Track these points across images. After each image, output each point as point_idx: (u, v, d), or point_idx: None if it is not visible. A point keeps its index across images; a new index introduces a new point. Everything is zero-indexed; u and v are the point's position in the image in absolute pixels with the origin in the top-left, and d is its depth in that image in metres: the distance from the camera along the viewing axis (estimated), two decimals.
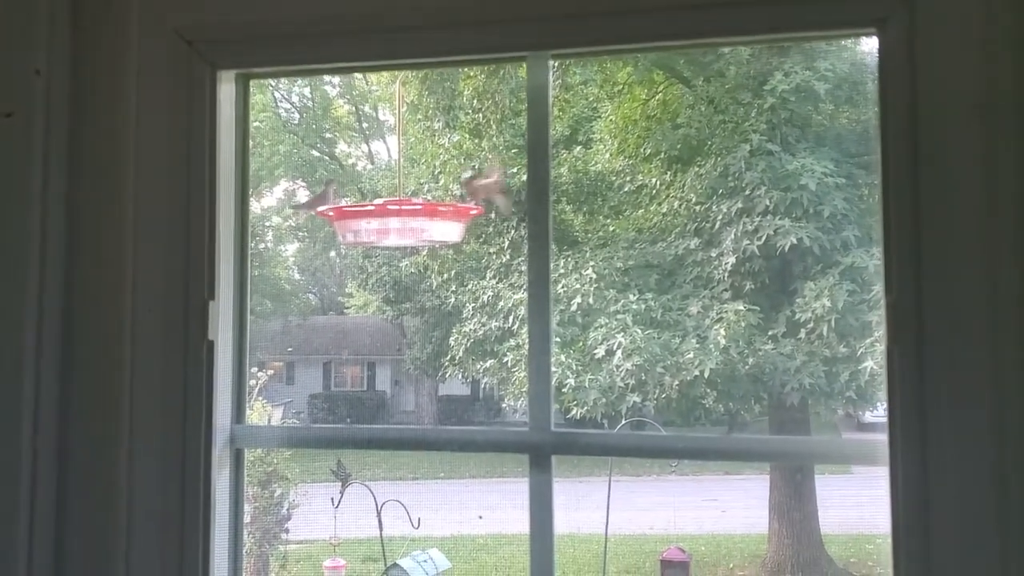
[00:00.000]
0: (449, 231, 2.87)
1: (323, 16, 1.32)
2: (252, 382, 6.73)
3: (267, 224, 14.34)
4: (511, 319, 9.66)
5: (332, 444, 1.20)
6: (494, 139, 9.37)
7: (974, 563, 1.07)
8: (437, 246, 8.58)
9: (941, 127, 1.12)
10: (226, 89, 1.47)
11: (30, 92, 1.43)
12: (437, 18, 1.25)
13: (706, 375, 7.78)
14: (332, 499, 6.21)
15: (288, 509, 6.84)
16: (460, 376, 12.48)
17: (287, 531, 6.86)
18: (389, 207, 3.04)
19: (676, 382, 8.17)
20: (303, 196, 13.24)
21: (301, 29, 1.32)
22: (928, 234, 1.11)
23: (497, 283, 9.95)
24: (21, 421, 1.31)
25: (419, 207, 3.05)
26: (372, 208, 3.20)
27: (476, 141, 9.71)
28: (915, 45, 1.12)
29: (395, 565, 6.81)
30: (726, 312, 8.06)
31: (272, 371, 8.60)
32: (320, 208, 3.32)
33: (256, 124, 12.69)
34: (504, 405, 11.30)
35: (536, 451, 1.18)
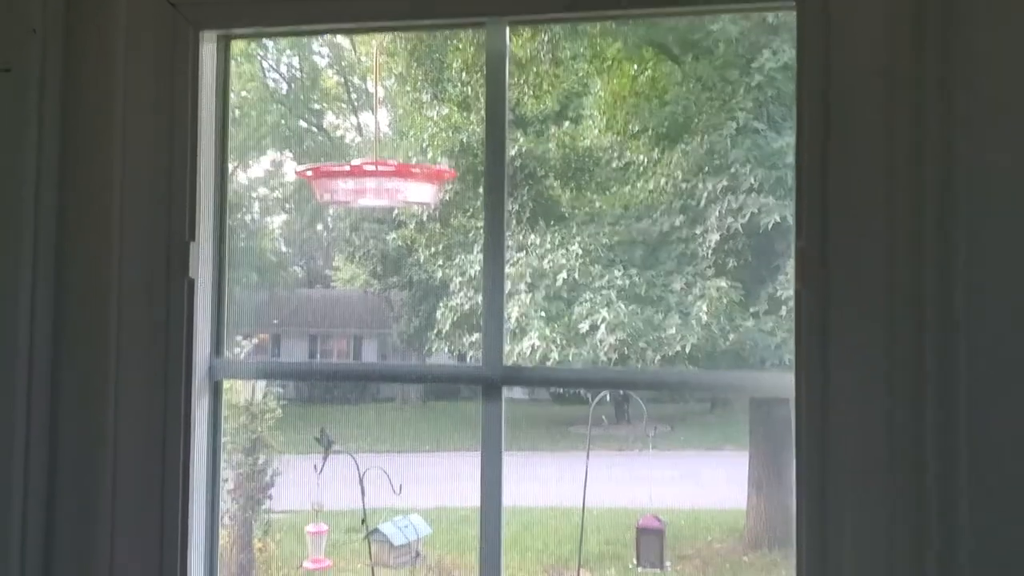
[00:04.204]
0: (423, 192, 2.99)
1: None
2: (237, 350, 6.79)
3: (253, 195, 14.27)
4: None
5: (302, 376, 1.31)
6: (482, 112, 9.37)
7: (866, 486, 1.21)
8: (414, 208, 8.67)
9: (850, 92, 1.24)
10: (208, 48, 1.58)
11: (27, 49, 1.54)
12: None
13: (688, 351, 7.92)
14: (315, 465, 6.32)
15: (272, 476, 6.93)
16: (447, 350, 12.54)
17: (271, 497, 6.95)
18: (365, 167, 3.16)
19: (658, 357, 8.27)
20: (290, 167, 13.23)
21: None
22: (834, 187, 1.23)
23: (482, 257, 9.97)
24: (18, 344, 1.42)
25: (393, 168, 3.18)
26: (348, 168, 3.35)
27: (464, 114, 9.72)
28: (830, 17, 1.23)
29: (376, 530, 6.94)
30: (708, 289, 8.15)
31: (257, 340, 8.65)
32: (299, 169, 3.47)
33: (243, 94, 12.62)
34: None
35: (488, 383, 1.31)
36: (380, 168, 3.08)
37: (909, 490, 1.15)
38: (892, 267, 1.17)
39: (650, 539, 6.98)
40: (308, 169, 3.14)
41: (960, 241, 1.16)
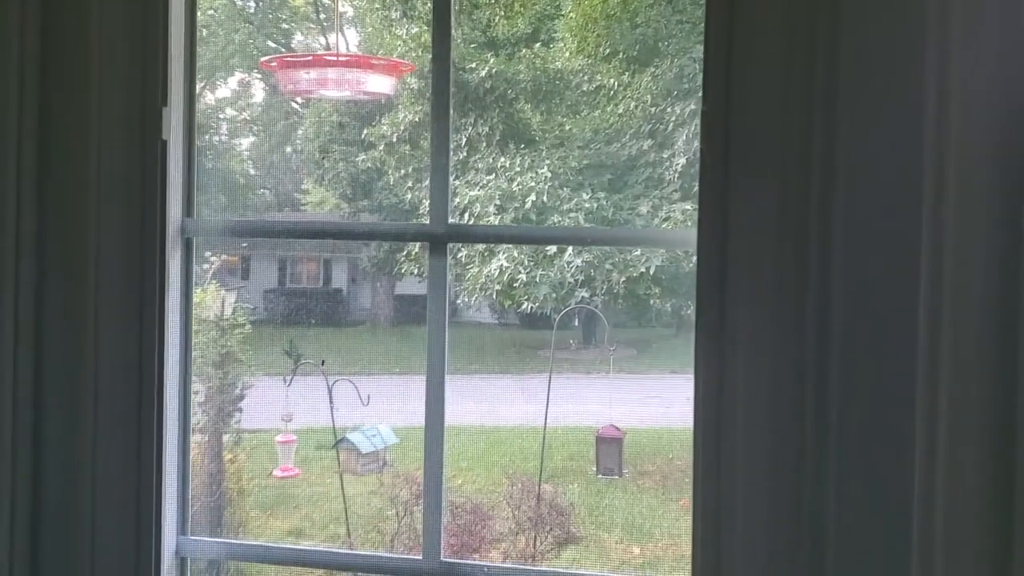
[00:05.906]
0: (383, 84, 3.12)
1: None
2: (206, 266, 6.83)
3: (221, 116, 14.05)
4: (467, 216, 9.78)
5: (272, 233, 1.43)
6: (452, 31, 9.31)
7: (755, 326, 1.39)
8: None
9: None
10: None
11: None
12: None
13: (652, 272, 8.10)
14: (284, 378, 6.45)
15: (242, 389, 7.03)
16: (415, 272, 12.58)
17: (240, 410, 7.06)
18: (327, 58, 3.28)
19: (623, 279, 8.43)
20: (259, 88, 13.01)
21: None
22: (737, 57, 1.37)
23: (454, 180, 10.01)
24: (5, 196, 1.55)
25: (353, 58, 3.29)
26: (310, 58, 3.48)
27: None
28: None
29: (344, 439, 7.15)
30: (674, 212, 8.27)
31: (226, 256, 8.68)
32: (264, 60, 3.57)
33: (211, 12, 12.34)
34: (459, 301, 11.58)
35: (434, 239, 1.44)
36: (341, 58, 3.20)
37: (794, 315, 1.33)
38: (786, 126, 1.33)
39: (609, 447, 7.24)
40: (272, 59, 3.24)
41: (843, 102, 1.34)
